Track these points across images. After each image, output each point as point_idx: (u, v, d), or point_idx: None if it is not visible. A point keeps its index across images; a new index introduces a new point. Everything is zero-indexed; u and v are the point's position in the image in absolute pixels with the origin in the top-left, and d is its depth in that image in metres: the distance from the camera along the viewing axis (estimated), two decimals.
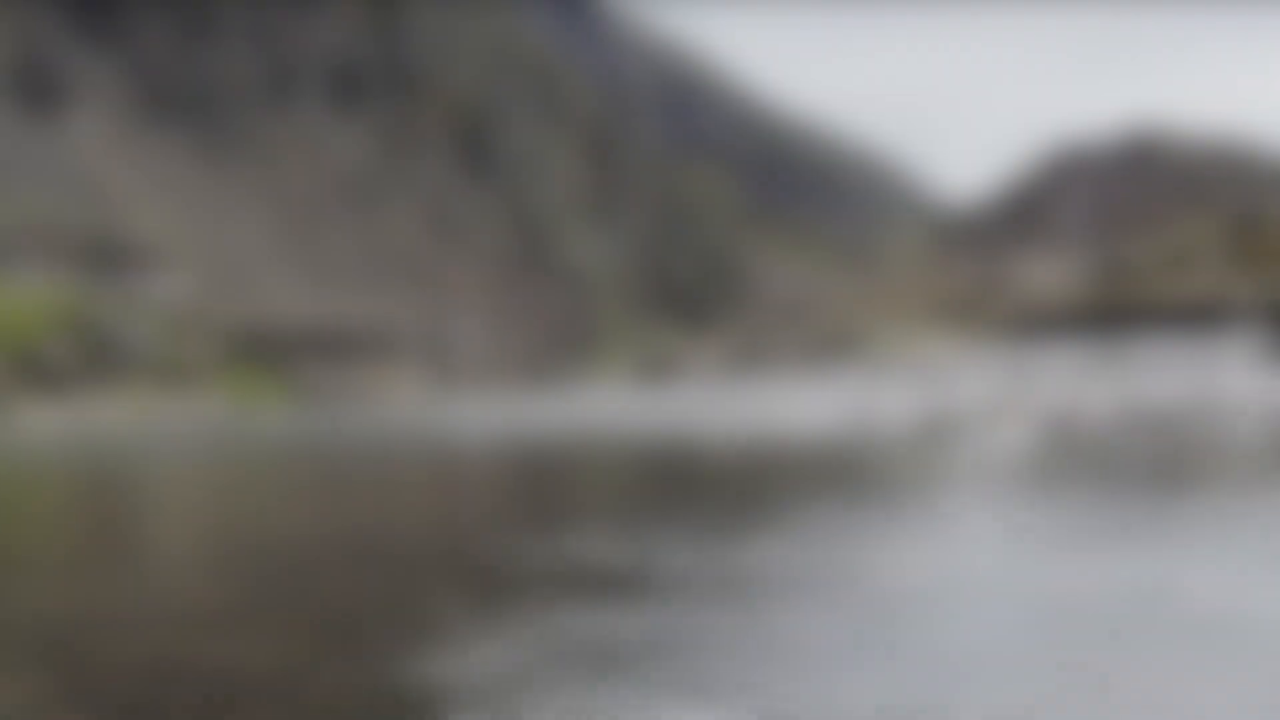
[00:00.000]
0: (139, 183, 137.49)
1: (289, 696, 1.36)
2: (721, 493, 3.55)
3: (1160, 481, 3.88)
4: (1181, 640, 1.92)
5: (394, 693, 1.44)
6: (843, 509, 2.71)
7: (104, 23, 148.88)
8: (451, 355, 38.69)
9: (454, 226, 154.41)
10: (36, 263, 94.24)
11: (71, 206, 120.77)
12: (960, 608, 1.69)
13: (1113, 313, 27.61)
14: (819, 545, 2.18)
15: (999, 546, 2.57)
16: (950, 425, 5.12)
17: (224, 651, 1.63)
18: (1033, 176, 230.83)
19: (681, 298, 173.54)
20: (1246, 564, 2.69)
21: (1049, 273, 35.33)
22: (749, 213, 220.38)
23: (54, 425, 24.13)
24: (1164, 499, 3.49)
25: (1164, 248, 33.77)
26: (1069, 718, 1.56)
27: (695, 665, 1.49)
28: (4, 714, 1.35)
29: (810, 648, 1.53)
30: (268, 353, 37.21)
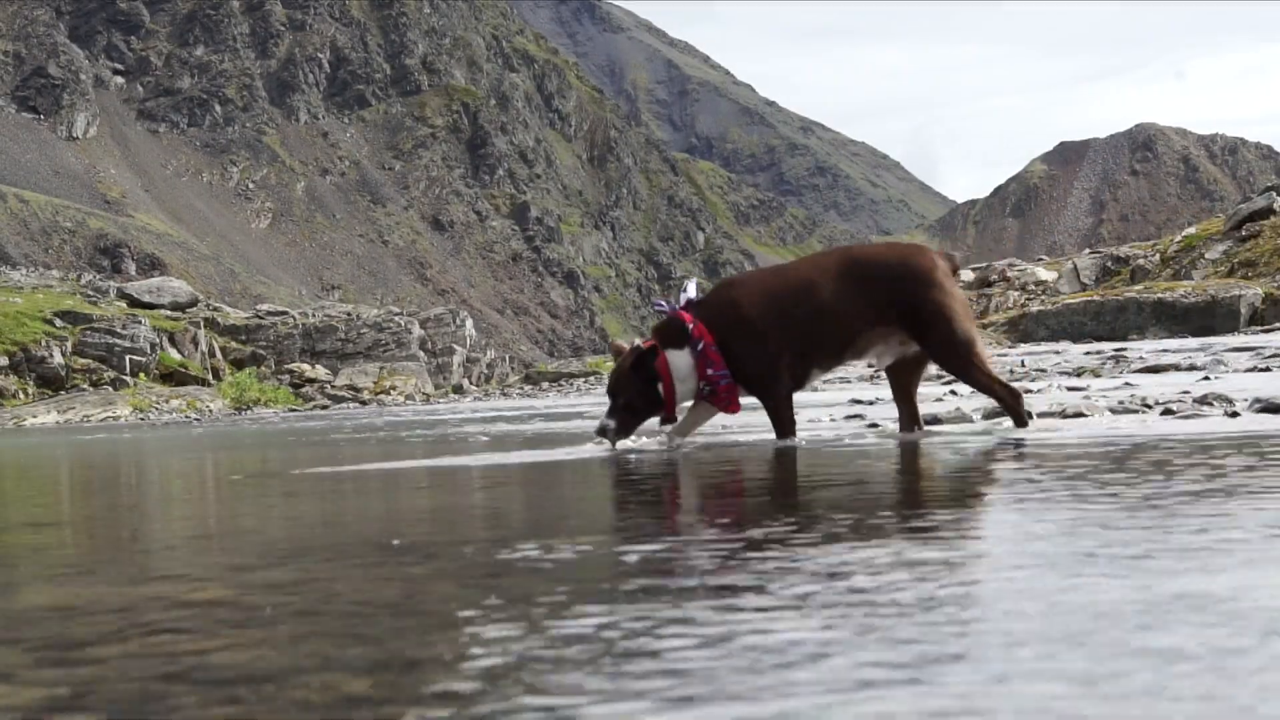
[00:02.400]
0: (139, 182, 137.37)
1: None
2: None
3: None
4: None
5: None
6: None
7: (104, 22, 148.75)
8: (452, 355, 38.67)
9: (454, 226, 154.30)
10: (36, 262, 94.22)
11: (72, 206, 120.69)
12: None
13: (1115, 311, 27.65)
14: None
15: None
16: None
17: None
18: (1035, 175, 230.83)
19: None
20: None
21: (1050, 271, 35.38)
22: (749, 212, 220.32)
23: (52, 424, 24.19)
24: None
25: (1167, 245, 33.87)
26: None
27: None
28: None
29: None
30: (268, 352, 37.14)
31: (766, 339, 5.66)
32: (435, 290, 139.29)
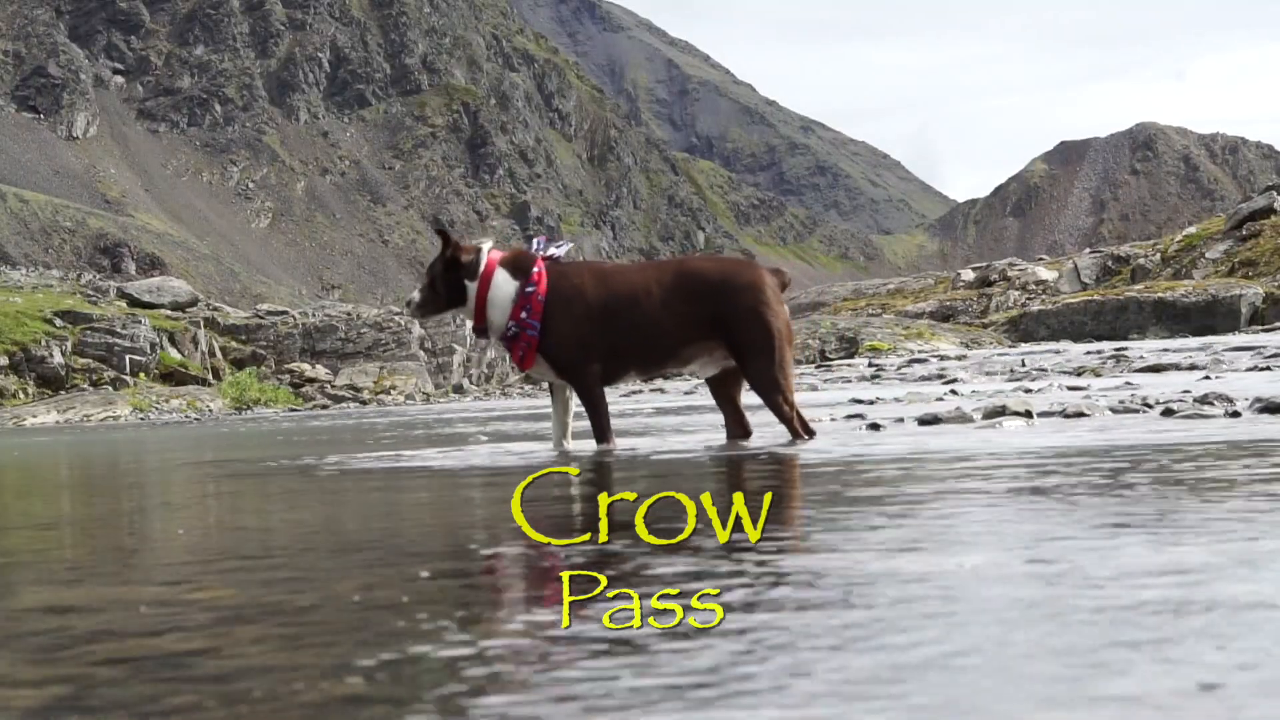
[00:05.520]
0: (139, 182, 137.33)
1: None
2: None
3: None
4: None
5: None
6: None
7: (104, 22, 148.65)
8: (452, 354, 38.77)
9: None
10: (36, 262, 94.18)
11: (72, 206, 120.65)
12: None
13: (1116, 310, 27.66)
14: None
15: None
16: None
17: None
18: (1035, 175, 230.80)
19: None
20: None
21: (1050, 271, 35.50)
22: (749, 212, 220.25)
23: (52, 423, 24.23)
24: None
25: (1167, 245, 33.92)
26: None
27: None
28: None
29: None
30: (268, 352, 37.32)
31: (589, 331, 5.74)
32: None
